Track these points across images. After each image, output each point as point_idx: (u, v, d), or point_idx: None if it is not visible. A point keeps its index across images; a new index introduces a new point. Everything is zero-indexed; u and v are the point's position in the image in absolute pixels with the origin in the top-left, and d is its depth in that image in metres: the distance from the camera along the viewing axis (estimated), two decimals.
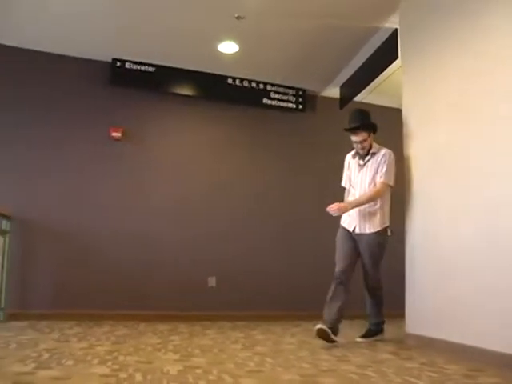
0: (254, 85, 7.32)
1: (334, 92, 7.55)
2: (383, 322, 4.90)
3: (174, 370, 3.09)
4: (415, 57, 4.89)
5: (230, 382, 2.80)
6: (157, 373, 2.97)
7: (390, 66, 5.85)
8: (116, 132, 6.63)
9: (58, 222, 6.28)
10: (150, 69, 6.84)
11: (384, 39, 5.91)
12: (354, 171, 4.76)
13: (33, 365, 3.06)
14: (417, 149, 4.70)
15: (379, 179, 4.55)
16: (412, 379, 2.97)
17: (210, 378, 2.88)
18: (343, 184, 4.94)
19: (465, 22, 4.10)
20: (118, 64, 6.74)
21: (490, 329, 3.54)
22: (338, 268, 4.53)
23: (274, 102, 7.40)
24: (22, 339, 4.19)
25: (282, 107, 7.46)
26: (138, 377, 2.83)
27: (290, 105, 7.48)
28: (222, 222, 6.99)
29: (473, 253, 3.79)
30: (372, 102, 7.05)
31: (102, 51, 6.57)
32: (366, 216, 4.57)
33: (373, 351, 4.21)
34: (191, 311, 6.50)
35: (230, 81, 7.20)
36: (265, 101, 7.37)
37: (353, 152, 4.80)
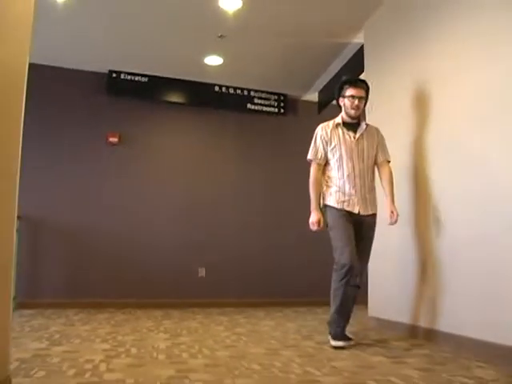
0: (238, 91, 7.94)
1: (313, 96, 8.16)
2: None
3: (163, 345, 3.78)
4: (377, 68, 5.54)
5: (207, 353, 3.48)
6: (149, 347, 3.66)
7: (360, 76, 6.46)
8: (113, 137, 7.28)
9: (62, 220, 6.91)
10: (144, 79, 7.47)
11: (354, 52, 6.52)
12: (341, 142, 4.07)
13: (47, 342, 3.75)
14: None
15: (384, 157, 4.21)
16: (358, 352, 3.67)
17: (192, 351, 3.57)
18: (311, 157, 4.17)
19: (416, 45, 4.74)
20: (114, 75, 7.36)
21: (424, 311, 4.23)
22: (346, 254, 3.84)
23: (257, 107, 8.04)
24: (34, 324, 4.87)
25: (265, 111, 8.09)
26: (134, 350, 3.53)
27: (273, 109, 8.11)
28: (211, 218, 7.65)
29: (423, 243, 4.46)
30: None
31: (99, 63, 7.20)
32: (367, 196, 4.06)
33: (325, 325, 4.87)
34: (183, 299, 7.15)
35: (216, 88, 7.83)
36: (249, 106, 8.01)
37: (330, 123, 4.19)
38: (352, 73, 6.48)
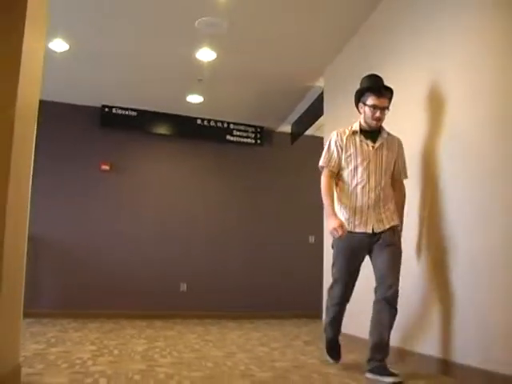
0: (219, 124, 8.82)
1: (287, 128, 9.02)
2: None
3: (140, 348, 4.61)
4: (334, 111, 6.31)
5: (175, 355, 4.31)
6: (128, 350, 4.50)
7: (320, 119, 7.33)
8: (105, 165, 8.16)
9: (59, 239, 7.73)
10: (133, 113, 8.35)
11: (318, 94, 7.38)
12: (358, 151, 3.72)
13: (44, 345, 4.57)
14: None
15: (401, 176, 3.88)
16: (302, 357, 4.52)
17: (163, 353, 4.40)
18: (324, 164, 3.85)
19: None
20: (107, 109, 8.25)
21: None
22: (338, 289, 3.79)
23: (236, 139, 8.91)
24: (32, 330, 5.67)
25: (243, 142, 8.96)
26: (116, 351, 4.36)
27: (250, 140, 8.98)
28: (193, 239, 8.51)
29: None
30: (319, 135, 8.13)
31: (93, 99, 8.07)
32: (382, 211, 3.66)
33: (292, 340, 5.73)
34: (166, 311, 7.97)
35: (198, 121, 8.71)
36: (228, 137, 8.88)
37: (347, 129, 3.85)
38: (319, 111, 7.33)
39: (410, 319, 4.05)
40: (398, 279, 3.52)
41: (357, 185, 3.69)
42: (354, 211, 3.67)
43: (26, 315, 6.55)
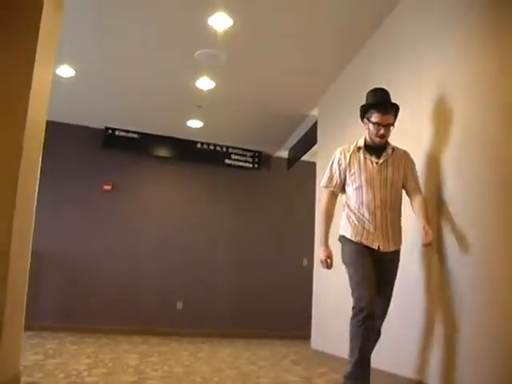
0: (218, 148, 9.15)
1: (284, 153, 9.30)
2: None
3: (133, 362, 4.86)
4: (327, 139, 6.60)
5: (166, 369, 4.56)
6: (122, 363, 4.74)
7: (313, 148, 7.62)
8: (107, 185, 8.46)
9: (59, 254, 7.98)
10: (136, 136, 8.68)
11: (313, 122, 7.66)
12: (361, 169, 3.61)
13: (43, 356, 4.83)
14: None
15: (417, 191, 3.67)
16: (285, 374, 4.76)
17: (155, 367, 4.65)
18: (324, 184, 3.81)
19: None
20: (110, 131, 8.57)
21: None
22: (365, 299, 3.35)
23: (234, 162, 9.22)
24: (32, 342, 5.92)
25: (241, 166, 9.27)
26: (110, 364, 4.61)
27: (248, 164, 9.29)
28: (190, 259, 8.77)
29: None
30: (314, 161, 8.49)
31: (97, 121, 8.40)
32: (389, 229, 3.54)
33: (280, 359, 5.97)
34: (163, 328, 8.21)
35: (198, 145, 9.04)
36: (227, 161, 9.19)
37: (352, 146, 3.75)
38: (309, 142, 7.62)
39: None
40: (386, 311, 3.56)
41: (362, 203, 3.55)
42: (362, 227, 3.52)
43: (26, 328, 6.84)
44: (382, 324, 3.54)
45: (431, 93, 3.95)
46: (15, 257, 2.88)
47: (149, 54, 6.07)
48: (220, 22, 5.17)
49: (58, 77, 6.39)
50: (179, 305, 8.57)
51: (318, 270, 6.42)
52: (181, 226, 8.85)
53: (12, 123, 2.97)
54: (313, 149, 7.93)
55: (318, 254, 3.70)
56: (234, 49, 5.76)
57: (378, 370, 3.72)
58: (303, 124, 7.97)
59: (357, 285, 3.44)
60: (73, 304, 7.92)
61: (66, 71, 6.46)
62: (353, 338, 3.34)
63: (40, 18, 3.12)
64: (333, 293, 5.71)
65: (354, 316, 3.35)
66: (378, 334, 3.52)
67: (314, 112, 7.35)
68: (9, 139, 2.95)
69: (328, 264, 3.63)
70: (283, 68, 6.23)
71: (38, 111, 3.32)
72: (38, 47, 3.10)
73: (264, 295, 8.83)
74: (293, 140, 8.84)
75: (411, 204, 3.65)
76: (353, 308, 3.41)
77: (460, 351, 3.25)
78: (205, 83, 6.59)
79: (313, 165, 7.18)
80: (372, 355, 3.38)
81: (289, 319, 8.52)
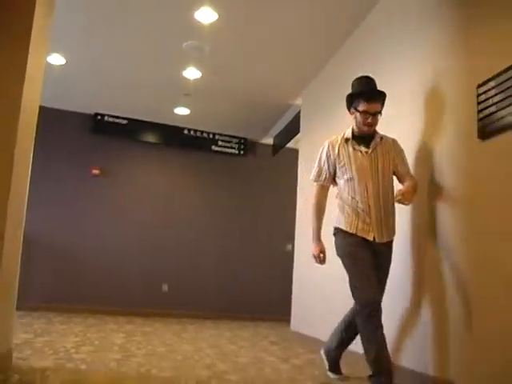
0: (205, 135, 9.36)
1: (270, 140, 9.52)
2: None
3: (119, 341, 5.11)
4: (309, 129, 6.89)
5: (150, 348, 4.81)
6: (108, 342, 4.99)
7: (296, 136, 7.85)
8: (95, 170, 8.65)
9: (47, 238, 8.17)
10: (124, 121, 8.87)
11: (296, 112, 7.87)
12: (351, 160, 3.55)
13: (32, 335, 5.07)
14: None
15: (407, 169, 3.64)
16: (263, 354, 5.03)
17: (139, 346, 4.89)
18: (314, 178, 3.79)
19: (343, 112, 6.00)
20: (99, 117, 8.76)
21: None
22: (367, 290, 3.31)
23: (220, 149, 9.44)
24: (22, 322, 6.13)
25: (228, 153, 9.50)
26: (96, 342, 4.86)
27: (234, 151, 9.51)
28: (175, 243, 9.00)
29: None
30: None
31: (87, 107, 8.59)
32: (383, 220, 3.48)
33: (260, 340, 6.24)
34: (149, 309, 8.47)
35: (186, 131, 9.24)
36: (213, 148, 9.41)
37: (339, 137, 3.69)
38: (293, 130, 7.84)
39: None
40: (382, 295, 3.45)
41: (355, 194, 3.49)
42: (356, 218, 3.46)
43: (17, 308, 7.06)
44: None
45: (416, 86, 4.08)
46: (9, 240, 3.09)
47: (137, 45, 6.26)
48: (206, 16, 5.38)
49: (49, 64, 6.55)
50: (165, 287, 8.81)
51: (299, 256, 6.70)
52: (167, 210, 9.08)
53: (7, 109, 3.17)
54: (297, 136, 8.15)
55: (311, 249, 3.67)
56: (219, 41, 5.96)
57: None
58: (288, 112, 8.17)
59: (356, 279, 3.37)
60: (61, 286, 8.15)
61: (57, 59, 6.63)
62: (367, 338, 3.29)
63: (34, 8, 3.33)
64: (312, 277, 6.00)
65: (360, 314, 3.30)
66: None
67: (298, 101, 7.56)
68: (4, 124, 3.15)
69: (321, 259, 3.64)
70: (267, 60, 6.46)
71: (32, 97, 3.53)
72: (31, 35, 3.31)
73: (248, 279, 9.09)
74: (278, 127, 9.04)
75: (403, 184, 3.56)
76: (356, 302, 3.37)
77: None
78: (192, 73, 6.79)
79: (297, 152, 7.43)
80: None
81: (272, 302, 8.76)
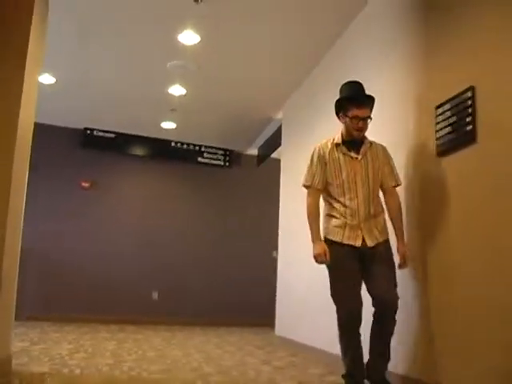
0: (191, 147, 9.65)
1: (255, 151, 9.82)
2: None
3: (111, 348, 5.39)
4: (290, 142, 7.18)
5: (140, 353, 5.09)
6: (100, 348, 5.27)
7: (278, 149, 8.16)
8: (85, 183, 8.92)
9: (40, 250, 8.37)
10: (112, 135, 9.15)
11: (278, 125, 8.17)
12: (342, 166, 3.50)
13: (28, 343, 5.34)
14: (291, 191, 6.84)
15: (391, 183, 3.59)
16: (248, 357, 5.32)
17: (130, 352, 5.17)
18: (307, 182, 3.61)
19: (325, 123, 6.16)
20: (88, 132, 9.04)
21: (317, 334, 5.81)
22: (349, 304, 3.34)
23: (206, 160, 9.73)
24: (17, 331, 6.30)
25: (213, 164, 9.79)
26: (90, 349, 5.13)
27: (219, 162, 9.80)
28: (165, 252, 9.27)
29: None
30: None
31: (77, 122, 8.86)
32: (372, 225, 3.45)
33: (245, 344, 6.52)
34: (139, 317, 8.73)
35: (172, 144, 9.53)
36: (199, 159, 9.70)
37: (329, 142, 3.62)
38: (276, 142, 8.13)
39: None
40: (395, 289, 3.35)
41: (345, 200, 3.45)
42: (344, 225, 3.42)
43: None
44: (395, 309, 3.28)
45: (394, 96, 4.24)
46: (8, 254, 3.37)
47: (124, 65, 6.57)
48: (188, 38, 5.69)
49: (40, 83, 6.81)
50: (155, 295, 9.08)
51: (282, 263, 6.99)
52: (155, 220, 9.35)
53: (5, 125, 3.44)
54: (280, 147, 8.46)
55: (313, 250, 3.46)
56: (202, 60, 6.26)
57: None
58: (271, 125, 8.48)
59: (337, 287, 3.41)
60: (54, 296, 8.37)
61: (47, 79, 6.92)
62: (344, 351, 3.37)
63: (29, 30, 3.62)
64: (296, 283, 6.27)
65: (340, 326, 3.37)
66: (393, 319, 3.29)
67: (280, 115, 7.87)
68: (3, 139, 3.41)
69: (325, 258, 3.39)
70: (249, 76, 6.76)
71: (28, 113, 3.82)
72: (27, 54, 3.60)
73: (236, 286, 9.36)
74: (262, 138, 9.32)
75: (385, 205, 3.59)
76: (337, 317, 3.40)
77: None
78: (177, 90, 7.09)
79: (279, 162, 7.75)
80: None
81: (258, 308, 9.00)
